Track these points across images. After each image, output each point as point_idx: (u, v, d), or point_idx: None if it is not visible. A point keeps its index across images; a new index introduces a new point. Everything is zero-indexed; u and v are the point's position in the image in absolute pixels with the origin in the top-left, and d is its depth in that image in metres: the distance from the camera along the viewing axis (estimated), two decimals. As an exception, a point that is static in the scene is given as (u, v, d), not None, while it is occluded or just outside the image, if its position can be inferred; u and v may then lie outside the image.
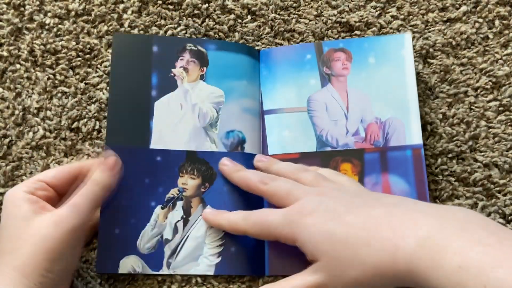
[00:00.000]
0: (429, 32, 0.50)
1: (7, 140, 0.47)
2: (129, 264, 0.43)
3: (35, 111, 0.48)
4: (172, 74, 0.47)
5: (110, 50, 0.49)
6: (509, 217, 0.44)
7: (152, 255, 0.43)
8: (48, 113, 0.48)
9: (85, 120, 0.47)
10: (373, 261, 0.34)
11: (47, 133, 0.47)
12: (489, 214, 0.45)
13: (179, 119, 0.46)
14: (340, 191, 0.39)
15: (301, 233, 0.37)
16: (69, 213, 0.38)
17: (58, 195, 0.41)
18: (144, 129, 0.45)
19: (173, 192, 0.44)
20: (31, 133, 0.47)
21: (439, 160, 0.46)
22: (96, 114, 0.48)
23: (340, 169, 0.45)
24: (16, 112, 0.47)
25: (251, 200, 0.44)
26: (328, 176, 0.42)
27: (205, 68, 0.47)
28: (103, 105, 0.48)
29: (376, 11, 0.51)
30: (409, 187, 0.44)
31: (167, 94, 0.46)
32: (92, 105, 0.48)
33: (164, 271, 0.43)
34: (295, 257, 0.42)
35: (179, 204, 0.44)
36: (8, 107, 0.48)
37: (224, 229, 0.43)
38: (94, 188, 0.40)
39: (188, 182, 0.45)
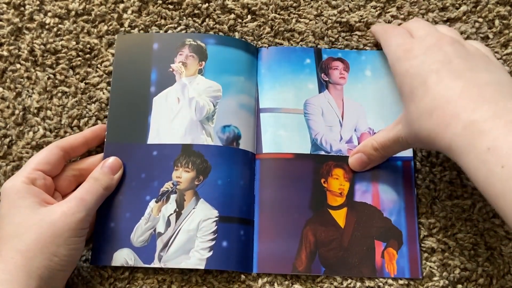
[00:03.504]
0: (429, 31, 0.50)
1: (7, 139, 0.47)
2: (122, 257, 0.43)
3: (35, 111, 0.48)
4: (171, 70, 0.47)
5: (110, 50, 0.49)
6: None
7: (145, 248, 0.43)
8: (48, 112, 0.48)
9: (86, 119, 0.47)
10: (430, 127, 0.36)
11: (47, 133, 0.47)
12: (487, 214, 0.45)
13: (176, 113, 0.46)
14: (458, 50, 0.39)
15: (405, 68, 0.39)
16: (79, 205, 0.39)
17: (52, 178, 0.43)
18: (142, 125, 0.46)
19: (167, 185, 0.44)
20: (31, 133, 0.47)
21: (438, 159, 0.46)
22: (96, 113, 0.48)
23: (332, 174, 0.46)
24: (16, 111, 0.47)
25: (245, 194, 0.45)
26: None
27: (203, 62, 0.47)
28: (103, 104, 0.48)
29: (376, 11, 0.51)
30: (397, 197, 0.45)
31: (165, 89, 0.47)
32: (93, 104, 0.48)
33: (155, 264, 0.43)
34: (283, 256, 0.43)
35: (173, 197, 0.44)
36: (8, 107, 0.48)
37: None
38: (97, 186, 0.42)
39: (182, 175, 0.45)
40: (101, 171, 0.43)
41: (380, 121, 0.47)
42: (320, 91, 0.48)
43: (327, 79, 0.48)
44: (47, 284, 0.37)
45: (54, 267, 0.37)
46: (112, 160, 0.44)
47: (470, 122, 0.33)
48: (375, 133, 0.47)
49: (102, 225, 0.44)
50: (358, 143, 0.46)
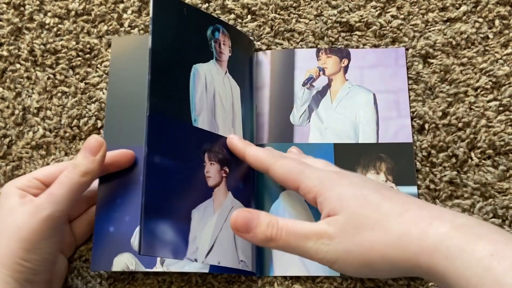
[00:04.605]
0: (429, 32, 0.50)
1: (7, 139, 0.47)
2: (123, 261, 0.42)
3: (35, 111, 0.48)
4: None
5: (110, 50, 0.49)
6: (508, 218, 0.44)
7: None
8: (48, 112, 0.48)
9: (85, 119, 0.47)
10: (401, 230, 0.30)
11: (47, 133, 0.47)
12: (487, 214, 0.45)
13: None
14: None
15: (332, 186, 0.34)
16: (44, 202, 0.36)
17: None
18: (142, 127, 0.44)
19: None
20: (31, 133, 0.47)
21: (439, 160, 0.46)
22: (96, 113, 0.48)
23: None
24: (16, 111, 0.47)
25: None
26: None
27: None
28: (103, 104, 0.48)
29: (376, 11, 0.51)
30: None
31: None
32: (92, 104, 0.48)
33: (158, 268, 0.42)
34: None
35: None
36: (8, 107, 0.48)
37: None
38: (72, 175, 0.38)
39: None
40: (80, 154, 0.39)
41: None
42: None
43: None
44: None
45: (27, 272, 0.35)
46: (90, 140, 0.39)
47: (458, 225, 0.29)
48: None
49: (102, 230, 0.43)
50: None
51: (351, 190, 0.33)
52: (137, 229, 0.42)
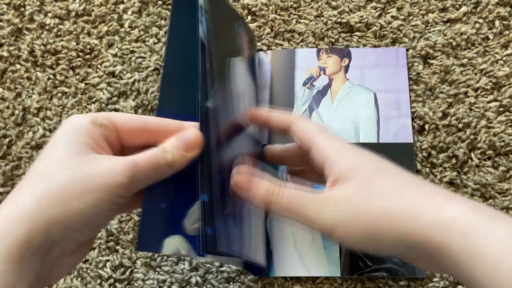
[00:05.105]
0: (430, 32, 0.50)
1: (7, 140, 0.47)
2: (174, 245, 0.35)
3: (35, 111, 0.48)
4: None
5: (110, 51, 0.49)
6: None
7: (198, 238, 0.34)
8: (48, 113, 0.48)
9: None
10: (417, 200, 0.29)
11: (47, 133, 0.47)
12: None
13: None
14: None
15: (347, 154, 0.32)
16: (124, 169, 0.30)
17: (121, 146, 0.34)
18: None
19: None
20: (31, 133, 0.47)
21: (439, 161, 0.46)
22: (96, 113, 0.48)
23: None
24: (16, 112, 0.47)
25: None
26: None
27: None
28: (103, 104, 0.48)
29: (376, 12, 0.51)
30: None
31: None
32: (92, 105, 0.48)
33: (208, 257, 0.37)
34: None
35: None
36: (8, 107, 0.48)
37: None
38: (161, 160, 0.32)
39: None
40: (174, 143, 0.33)
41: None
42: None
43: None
44: (54, 240, 0.29)
45: (75, 223, 0.29)
46: (190, 134, 0.33)
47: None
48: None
49: (152, 205, 0.35)
50: None
51: (367, 160, 0.32)
52: (191, 210, 0.36)
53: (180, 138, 0.33)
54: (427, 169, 0.46)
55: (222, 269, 0.44)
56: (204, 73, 0.35)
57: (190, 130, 0.33)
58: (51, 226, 0.29)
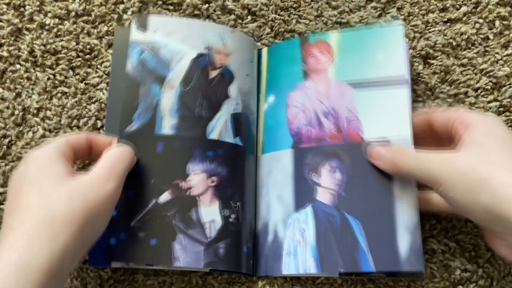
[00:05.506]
0: (430, 32, 0.50)
1: (7, 140, 0.47)
2: None
3: (35, 111, 0.48)
4: None
5: (110, 51, 0.49)
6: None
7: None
8: (48, 113, 0.48)
9: (85, 119, 0.47)
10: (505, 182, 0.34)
11: (47, 133, 0.47)
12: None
13: None
14: None
15: (482, 126, 0.38)
16: (107, 176, 0.36)
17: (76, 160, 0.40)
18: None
19: None
20: (30, 133, 0.47)
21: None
22: (96, 113, 0.47)
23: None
24: (16, 112, 0.47)
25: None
26: None
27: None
28: (103, 105, 0.48)
29: (376, 12, 0.51)
30: None
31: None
32: (92, 105, 0.48)
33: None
34: None
35: None
36: (8, 107, 0.48)
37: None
38: (122, 158, 0.38)
39: None
40: (119, 147, 0.40)
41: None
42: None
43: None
44: (66, 264, 0.33)
45: (76, 247, 0.33)
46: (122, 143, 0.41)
47: None
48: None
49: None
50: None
51: (501, 135, 0.37)
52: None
53: (122, 145, 0.40)
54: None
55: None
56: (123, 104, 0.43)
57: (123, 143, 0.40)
58: (65, 252, 0.32)
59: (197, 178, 0.42)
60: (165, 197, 0.41)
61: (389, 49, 0.44)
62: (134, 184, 0.41)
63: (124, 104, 0.43)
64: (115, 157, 0.38)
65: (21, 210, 0.33)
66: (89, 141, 0.41)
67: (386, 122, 0.43)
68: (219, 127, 0.44)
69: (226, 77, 0.45)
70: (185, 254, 0.40)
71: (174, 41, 0.45)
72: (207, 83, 0.45)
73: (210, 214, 0.42)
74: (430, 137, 0.42)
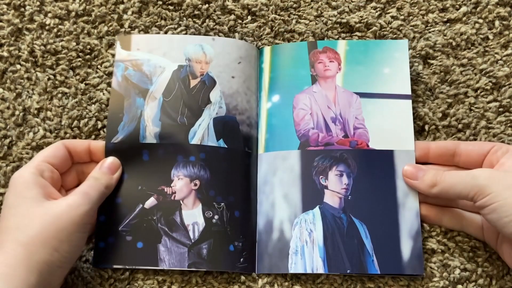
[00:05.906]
0: (429, 32, 0.50)
1: (7, 140, 0.47)
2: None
3: (36, 112, 0.48)
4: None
5: (110, 51, 0.49)
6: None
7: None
8: (49, 113, 0.48)
9: (86, 120, 0.47)
10: None
11: (47, 134, 0.47)
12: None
13: None
14: None
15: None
16: (81, 199, 0.40)
17: (59, 174, 0.43)
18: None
19: None
20: (31, 134, 0.47)
21: (439, 161, 0.46)
22: (96, 114, 0.48)
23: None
24: (17, 112, 0.47)
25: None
26: None
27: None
28: (103, 105, 0.48)
29: (376, 12, 0.51)
30: None
31: None
32: (93, 105, 0.48)
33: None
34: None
35: None
36: (8, 108, 0.48)
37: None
38: (99, 185, 0.42)
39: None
40: (100, 171, 0.43)
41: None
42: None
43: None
44: (46, 280, 0.37)
45: (54, 263, 0.37)
46: (110, 160, 0.44)
47: None
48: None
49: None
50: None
51: None
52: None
53: (103, 165, 0.43)
54: (427, 170, 0.46)
55: (223, 270, 0.44)
56: (108, 116, 0.46)
57: (110, 158, 0.44)
58: (41, 267, 0.36)
59: (181, 183, 0.45)
60: (150, 202, 0.44)
61: (395, 65, 0.47)
62: (122, 191, 0.44)
63: (109, 116, 0.46)
64: (91, 185, 0.42)
65: (1, 233, 0.38)
66: (67, 148, 0.43)
67: (392, 133, 0.45)
68: (201, 132, 0.46)
69: (207, 84, 0.47)
70: (170, 256, 0.43)
71: (156, 56, 0.48)
72: (188, 92, 0.47)
73: (193, 216, 0.44)
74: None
